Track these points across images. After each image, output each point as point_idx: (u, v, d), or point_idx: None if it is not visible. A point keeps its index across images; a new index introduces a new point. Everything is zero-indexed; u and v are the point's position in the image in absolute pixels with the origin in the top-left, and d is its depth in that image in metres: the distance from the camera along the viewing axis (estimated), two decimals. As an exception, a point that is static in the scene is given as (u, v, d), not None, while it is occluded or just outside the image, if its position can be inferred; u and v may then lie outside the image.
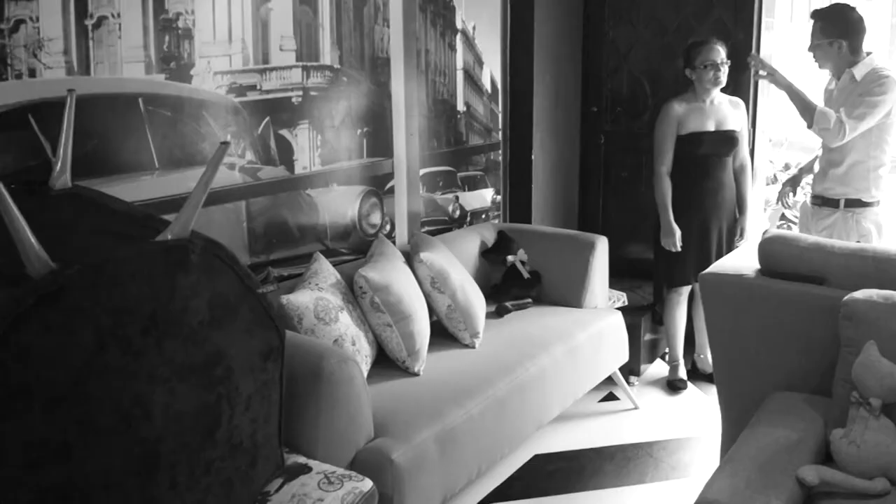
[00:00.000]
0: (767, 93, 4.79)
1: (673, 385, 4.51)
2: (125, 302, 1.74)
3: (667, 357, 4.67)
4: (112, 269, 1.73)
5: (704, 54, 4.23)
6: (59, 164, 2.34)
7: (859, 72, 3.77)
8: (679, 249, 4.30)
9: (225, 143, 1.87)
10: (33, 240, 1.62)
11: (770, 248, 3.05)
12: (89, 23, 2.70)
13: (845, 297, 2.63)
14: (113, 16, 2.76)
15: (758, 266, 3.10)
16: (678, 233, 4.29)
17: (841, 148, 3.81)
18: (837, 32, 3.77)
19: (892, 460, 2.35)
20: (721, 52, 4.24)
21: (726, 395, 3.19)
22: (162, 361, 1.83)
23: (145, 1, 2.85)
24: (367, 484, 2.28)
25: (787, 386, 2.89)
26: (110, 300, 1.71)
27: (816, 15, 3.85)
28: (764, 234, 3.17)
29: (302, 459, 2.36)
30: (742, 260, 3.20)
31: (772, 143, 9.65)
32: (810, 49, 3.88)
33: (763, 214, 5.56)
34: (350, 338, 3.06)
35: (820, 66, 3.90)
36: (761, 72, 4.04)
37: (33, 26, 2.55)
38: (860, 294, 2.62)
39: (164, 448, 1.87)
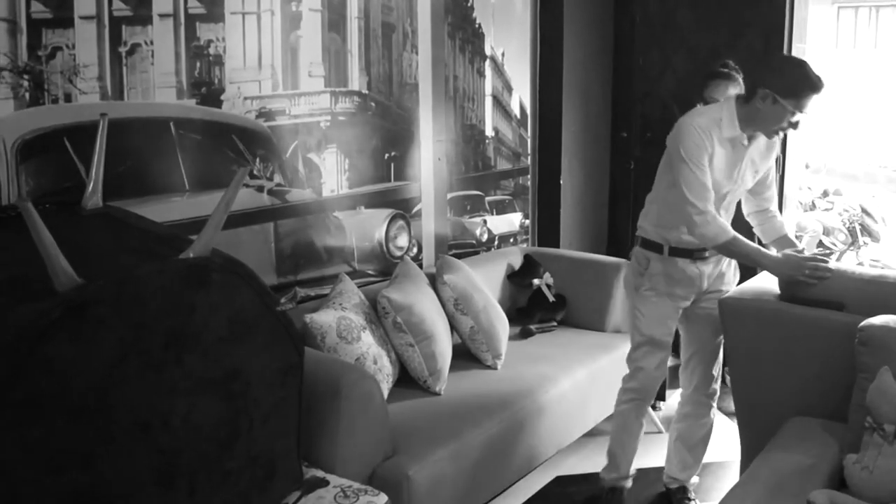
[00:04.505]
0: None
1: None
2: (146, 316, 1.81)
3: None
4: (134, 285, 1.80)
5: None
6: (91, 185, 2.43)
7: None
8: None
9: (244, 166, 1.95)
10: (60, 256, 1.70)
11: (790, 274, 3.06)
12: (123, 50, 2.81)
13: (861, 323, 2.64)
14: (146, 43, 2.87)
15: (777, 291, 3.11)
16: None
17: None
18: None
19: (906, 486, 2.36)
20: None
21: (745, 420, 3.20)
22: (182, 375, 1.90)
23: (177, 29, 2.96)
24: (383, 499, 2.32)
25: (805, 411, 2.89)
26: (132, 314, 1.79)
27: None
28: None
29: (320, 473, 2.42)
30: (762, 285, 3.22)
31: (809, 169, 9.61)
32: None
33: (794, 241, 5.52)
34: (372, 357, 3.12)
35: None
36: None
37: (69, 53, 2.66)
38: (877, 320, 2.63)
39: (183, 458, 1.93)
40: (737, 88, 3.65)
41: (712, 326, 3.35)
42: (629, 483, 3.55)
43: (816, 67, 3.01)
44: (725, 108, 3.11)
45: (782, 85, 2.97)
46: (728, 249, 3.12)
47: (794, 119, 3.02)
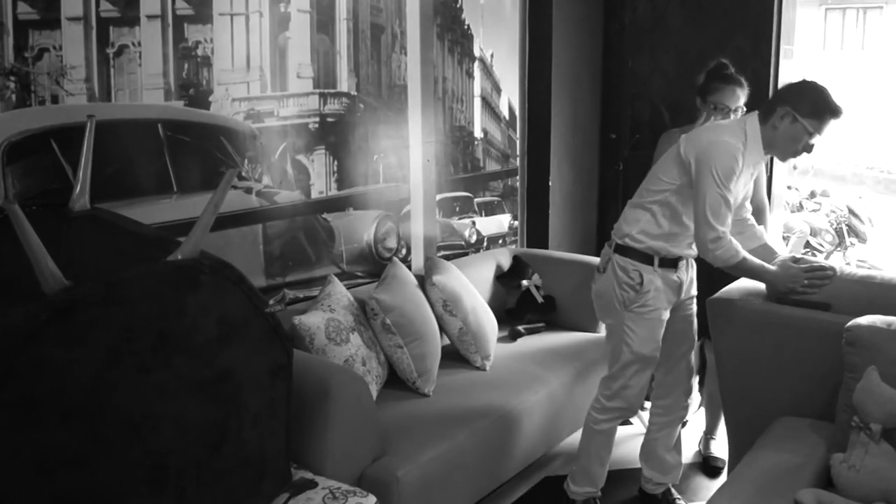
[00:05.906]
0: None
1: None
2: (135, 319, 1.82)
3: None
4: (123, 287, 1.80)
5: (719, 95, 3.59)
6: (79, 187, 2.43)
7: None
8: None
9: (232, 168, 1.95)
10: (48, 258, 1.70)
11: (777, 274, 3.07)
12: (110, 51, 2.80)
13: (848, 323, 2.66)
14: (133, 44, 2.86)
15: (765, 291, 3.13)
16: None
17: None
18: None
19: (892, 485, 2.37)
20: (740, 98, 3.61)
21: (733, 420, 3.21)
22: (171, 377, 1.90)
23: (165, 30, 2.95)
24: (371, 500, 2.33)
25: (793, 411, 2.91)
26: (121, 317, 1.79)
27: None
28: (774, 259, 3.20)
29: (309, 475, 2.42)
30: (749, 285, 3.22)
31: (797, 171, 9.65)
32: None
33: (781, 242, 5.55)
34: (360, 358, 3.12)
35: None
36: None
37: (56, 54, 2.66)
38: (863, 320, 2.65)
39: (173, 460, 1.93)
40: (745, 96, 3.59)
41: (689, 338, 3.38)
42: (599, 493, 3.50)
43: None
44: (749, 130, 3.04)
45: (803, 105, 2.95)
46: (738, 269, 3.07)
47: (812, 141, 2.99)
